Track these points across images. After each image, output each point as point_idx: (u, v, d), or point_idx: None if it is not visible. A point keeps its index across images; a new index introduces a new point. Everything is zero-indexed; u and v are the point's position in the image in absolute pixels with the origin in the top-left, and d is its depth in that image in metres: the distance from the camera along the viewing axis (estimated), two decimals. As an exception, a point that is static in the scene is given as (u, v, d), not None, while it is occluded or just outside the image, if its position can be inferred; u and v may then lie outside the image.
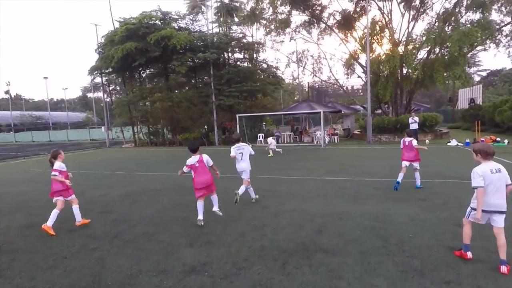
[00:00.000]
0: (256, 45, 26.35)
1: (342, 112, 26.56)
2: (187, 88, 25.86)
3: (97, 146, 28.00)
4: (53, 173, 5.65)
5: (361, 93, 31.76)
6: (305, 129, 25.00)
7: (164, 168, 12.76)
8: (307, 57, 28.92)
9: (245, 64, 27.00)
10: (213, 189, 5.64)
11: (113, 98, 33.50)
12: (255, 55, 27.10)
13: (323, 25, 25.45)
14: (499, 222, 3.42)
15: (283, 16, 24.41)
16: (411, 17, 21.90)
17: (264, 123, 34.42)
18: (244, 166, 6.65)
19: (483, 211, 3.39)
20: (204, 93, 23.40)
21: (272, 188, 8.05)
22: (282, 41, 28.31)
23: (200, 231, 5.11)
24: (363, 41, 22.54)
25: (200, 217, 5.42)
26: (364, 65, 22.92)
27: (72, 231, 5.46)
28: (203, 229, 5.22)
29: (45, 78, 52.39)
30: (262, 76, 27.22)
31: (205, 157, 5.53)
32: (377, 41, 22.48)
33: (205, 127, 25.31)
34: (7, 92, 71.00)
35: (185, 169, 5.53)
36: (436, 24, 20.12)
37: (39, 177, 11.83)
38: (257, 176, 9.17)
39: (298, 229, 5.03)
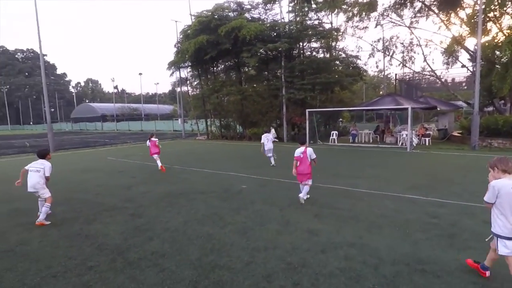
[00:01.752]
0: (334, 33, 23.83)
1: (438, 108, 22.08)
2: (257, 81, 25.02)
3: (174, 137, 29.64)
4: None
5: (465, 87, 26.10)
6: (388, 128, 21.60)
7: (221, 165, 12.03)
8: (395, 44, 24.93)
9: (321, 55, 24.74)
10: (308, 178, 6.44)
11: (195, 92, 35.13)
12: (333, 44, 24.57)
13: (418, 5, 21.40)
14: None
15: (367, -2, 21.33)
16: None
17: (341, 120, 31.51)
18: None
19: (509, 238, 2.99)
20: (274, 86, 22.20)
21: (330, 203, 6.33)
22: (366, 28, 24.97)
23: (216, 263, 3.87)
24: (472, 20, 18.05)
25: (300, 195, 6.44)
26: (473, 51, 18.39)
27: (90, 236, 4.86)
28: (222, 258, 3.98)
29: (140, 74, 59.00)
30: (340, 68, 24.59)
31: (309, 150, 6.45)
32: (493, 19, 17.69)
33: (277, 121, 24.14)
34: (115, 87, 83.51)
35: (295, 163, 6.46)
36: None
37: (107, 167, 12.38)
38: (317, 184, 7.54)
39: (352, 282, 3.36)
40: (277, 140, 18.72)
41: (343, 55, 24.56)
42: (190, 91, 30.85)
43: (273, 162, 11.48)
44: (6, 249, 4.46)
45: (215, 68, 26.56)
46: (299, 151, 6.43)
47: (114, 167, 12.22)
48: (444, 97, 32.89)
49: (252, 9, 23.77)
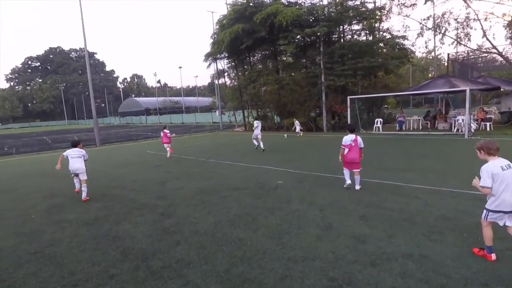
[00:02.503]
0: (378, 13, 21.90)
1: (502, 89, 19.39)
2: (295, 69, 23.97)
3: (212, 129, 29.87)
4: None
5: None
6: (441, 113, 19.48)
7: (257, 158, 11.56)
8: (448, 21, 22.37)
9: (363, 37, 22.94)
10: (358, 167, 6.36)
11: (233, 84, 34.96)
12: (376, 25, 22.64)
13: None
14: None
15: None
16: None
17: (386, 106, 29.30)
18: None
19: (503, 212, 3.28)
20: (313, 73, 21.07)
21: (377, 202, 5.53)
22: (414, 4, 22.71)
23: (246, 276, 3.39)
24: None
25: (347, 181, 6.45)
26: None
27: (117, 238, 4.66)
28: (253, 270, 3.48)
29: (180, 67, 60.59)
30: (384, 50, 22.64)
31: (359, 139, 6.36)
32: None
33: (316, 110, 23.02)
34: (158, 81, 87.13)
35: (342, 147, 6.39)
36: None
37: (146, 161, 12.56)
38: (363, 179, 6.74)
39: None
40: (301, 131, 19.25)
41: (388, 36, 22.58)
42: (228, 83, 30.74)
43: (256, 145, 13.45)
44: (36, 250, 4.40)
45: (251, 58, 25.99)
46: (349, 139, 6.31)
47: (152, 161, 12.35)
48: (506, 76, 29.12)
49: (289, -7, 22.64)
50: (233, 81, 29.53)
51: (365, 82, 20.99)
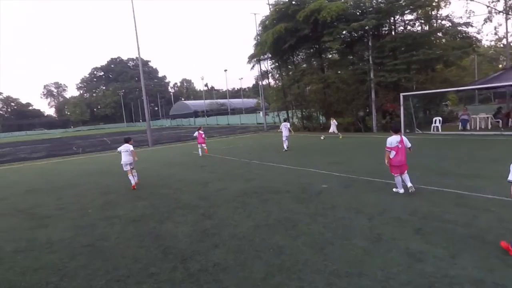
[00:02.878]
0: (435, -1, 19.99)
1: None
2: (341, 66, 22.94)
3: (257, 130, 30.00)
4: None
5: None
6: (514, 110, 17.09)
7: (301, 159, 11.22)
8: (524, 1, 19.58)
9: (418, 27, 21.10)
10: (406, 168, 6.04)
11: (277, 84, 34.88)
12: (433, 13, 20.67)
13: None
14: None
15: None
16: None
17: (446, 103, 26.64)
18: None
19: None
20: (361, 70, 19.94)
21: (437, 214, 4.88)
22: (480, -14, 20.33)
23: (284, 288, 3.16)
24: None
25: (409, 184, 5.96)
26: None
27: (159, 237, 4.75)
28: (291, 282, 3.24)
29: (225, 70, 62.07)
30: (443, 40, 20.57)
31: (405, 139, 6.00)
32: None
33: (366, 109, 21.78)
34: (205, 85, 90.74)
35: (387, 152, 5.99)
36: None
37: (191, 162, 12.93)
38: (417, 185, 6.12)
39: None
40: (337, 132, 17.59)
41: (448, 25, 20.45)
42: (272, 83, 30.70)
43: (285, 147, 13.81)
44: (88, 243, 4.70)
45: (294, 57, 25.54)
46: (394, 140, 5.90)
47: (198, 161, 12.68)
48: None
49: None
50: (277, 81, 29.38)
51: (421, 77, 19.26)
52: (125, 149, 8.27)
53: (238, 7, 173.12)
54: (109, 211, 6.31)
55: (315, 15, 18.45)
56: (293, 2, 20.58)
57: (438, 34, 20.43)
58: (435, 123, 16.92)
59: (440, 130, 16.58)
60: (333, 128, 17.74)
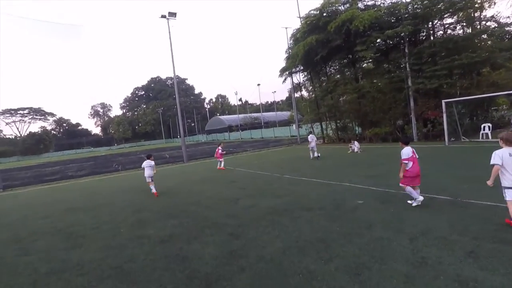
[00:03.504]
0: (478, 0, 18.72)
1: None
2: (376, 75, 22.09)
3: (289, 143, 29.63)
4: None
5: None
6: None
7: (336, 173, 10.74)
8: None
9: (460, 31, 19.82)
10: (419, 182, 6.05)
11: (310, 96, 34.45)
12: (476, 14, 19.36)
13: None
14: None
15: None
16: None
17: (495, 108, 24.38)
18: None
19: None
20: (397, 78, 19.03)
21: (490, 233, 4.28)
22: (529, -18, 18.71)
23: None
24: None
25: (419, 198, 5.92)
26: None
27: (186, 259, 4.66)
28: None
29: (258, 85, 62.99)
30: (489, 42, 19.07)
31: (414, 150, 6.07)
32: None
33: (405, 118, 20.61)
34: (240, 99, 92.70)
35: (405, 162, 5.89)
36: None
37: (223, 177, 12.95)
38: (465, 200, 5.46)
39: None
40: (358, 148, 16.88)
41: (494, 25, 18.98)
42: (305, 95, 30.42)
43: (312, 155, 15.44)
44: (117, 265, 4.71)
45: (327, 68, 25.15)
46: (408, 152, 5.93)
47: (229, 177, 12.67)
48: None
49: (365, -4, 21.35)
50: (310, 93, 29.00)
51: (465, 82, 17.91)
52: (148, 164, 9.92)
53: (270, 22, 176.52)
54: (140, 230, 6.39)
55: (347, 25, 18.12)
56: (324, 14, 20.42)
57: (483, 36, 19.02)
58: (484, 130, 15.52)
59: (490, 137, 15.13)
60: (355, 148, 16.93)
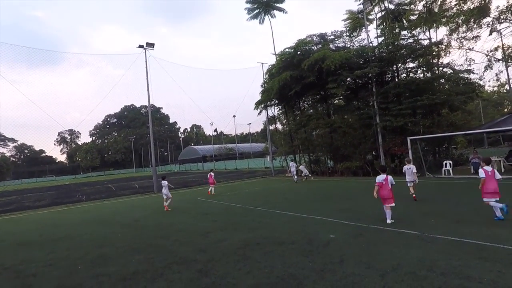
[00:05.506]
0: (435, 48, 20.76)
1: None
2: (347, 111, 23.23)
3: (263, 175, 29.65)
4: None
5: None
6: (528, 153, 16.58)
7: (308, 207, 10.75)
8: (524, 48, 20.11)
9: (421, 75, 21.65)
10: (391, 202, 7.44)
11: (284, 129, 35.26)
12: (434, 61, 21.37)
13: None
14: None
15: (476, 3, 18.08)
16: None
17: (455, 146, 26.24)
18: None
19: None
20: (366, 115, 20.09)
21: (456, 269, 4.36)
22: (477, 37, 21.10)
23: None
24: None
25: (388, 221, 7.38)
26: None
27: (149, 298, 4.29)
28: None
29: (234, 116, 63.73)
30: (446, 86, 20.92)
31: (390, 178, 7.57)
32: None
33: (373, 152, 21.57)
34: (215, 130, 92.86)
35: (376, 187, 7.51)
36: None
37: (194, 209, 12.54)
38: (432, 235, 5.57)
39: None
40: (308, 175, 20.85)
41: (450, 71, 20.95)
42: (280, 128, 31.07)
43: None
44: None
45: (301, 103, 26.12)
46: (380, 178, 7.52)
47: (201, 208, 12.29)
48: None
49: (336, 39, 22.96)
50: (284, 126, 29.71)
51: (427, 121, 19.24)
52: (165, 184, 12.63)
53: (246, 57, 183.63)
54: (100, 267, 5.88)
55: (319, 64, 19.16)
56: (298, 52, 21.57)
57: (441, 80, 20.86)
58: (445, 166, 16.43)
59: (451, 173, 16.04)
60: (304, 171, 20.83)
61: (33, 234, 9.80)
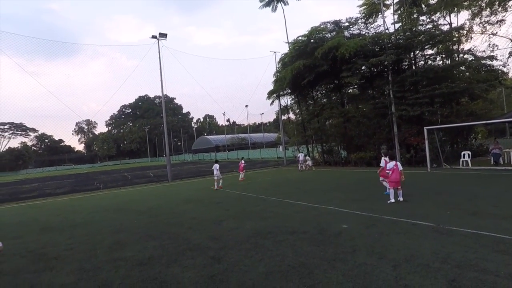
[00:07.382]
0: (456, 34, 19.93)
1: None
2: (361, 100, 22.78)
3: (276, 165, 29.65)
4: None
5: None
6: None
7: (320, 197, 10.72)
8: (550, 33, 19.02)
9: (439, 62, 20.88)
10: (400, 185, 8.45)
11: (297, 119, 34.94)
12: (454, 47, 20.54)
13: None
14: None
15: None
16: None
17: (474, 136, 25.38)
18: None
19: None
20: (381, 104, 19.64)
21: (471, 261, 4.28)
22: (501, 21, 20.14)
23: None
24: None
25: (392, 200, 8.46)
26: None
27: (164, 283, 4.43)
28: None
29: (246, 106, 63.60)
30: (467, 73, 20.13)
31: (399, 164, 8.57)
32: None
33: (389, 143, 21.14)
34: (227, 120, 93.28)
35: (387, 171, 8.64)
36: None
37: (207, 198, 12.72)
38: (447, 227, 5.46)
39: None
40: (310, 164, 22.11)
41: (471, 58, 20.10)
42: (292, 118, 30.87)
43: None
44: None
45: (314, 92, 25.78)
46: (391, 164, 8.61)
47: (214, 197, 12.46)
48: None
49: (351, 26, 22.38)
50: (297, 116, 29.48)
51: (445, 110, 18.66)
52: (216, 167, 14.53)
53: (258, 46, 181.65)
54: (117, 252, 6.09)
55: (333, 52, 18.79)
56: (312, 40, 21.17)
57: (461, 67, 20.08)
58: (464, 157, 16.00)
59: (470, 164, 15.61)
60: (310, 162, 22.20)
61: (54, 220, 10.22)
